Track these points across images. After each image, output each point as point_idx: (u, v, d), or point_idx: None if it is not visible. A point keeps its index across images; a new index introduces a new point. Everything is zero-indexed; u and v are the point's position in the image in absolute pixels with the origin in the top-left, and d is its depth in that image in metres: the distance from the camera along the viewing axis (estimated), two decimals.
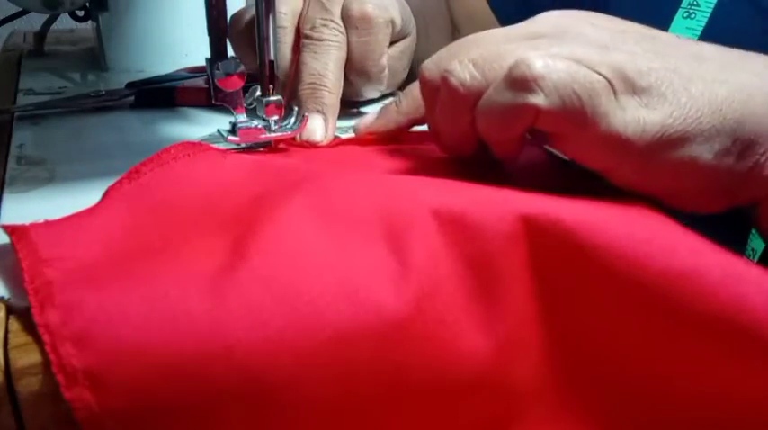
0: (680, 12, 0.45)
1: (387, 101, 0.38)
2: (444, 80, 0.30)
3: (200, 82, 0.48)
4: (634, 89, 0.27)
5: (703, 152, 0.27)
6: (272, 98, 0.36)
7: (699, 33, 0.44)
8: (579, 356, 0.26)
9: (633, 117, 0.27)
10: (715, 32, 0.43)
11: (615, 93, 0.27)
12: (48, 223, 0.25)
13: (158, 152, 0.30)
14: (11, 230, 0.24)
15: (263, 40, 0.35)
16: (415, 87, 0.34)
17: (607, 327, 0.25)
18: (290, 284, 0.22)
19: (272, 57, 0.36)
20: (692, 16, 0.44)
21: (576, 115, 0.27)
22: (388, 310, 0.23)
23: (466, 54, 0.30)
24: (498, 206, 0.25)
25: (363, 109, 0.47)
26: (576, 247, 0.24)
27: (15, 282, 0.23)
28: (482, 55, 0.29)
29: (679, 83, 0.27)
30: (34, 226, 0.25)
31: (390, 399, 0.24)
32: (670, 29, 0.45)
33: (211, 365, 0.21)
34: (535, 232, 0.25)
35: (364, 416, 0.24)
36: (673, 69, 0.28)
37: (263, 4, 0.35)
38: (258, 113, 0.36)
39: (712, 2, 0.44)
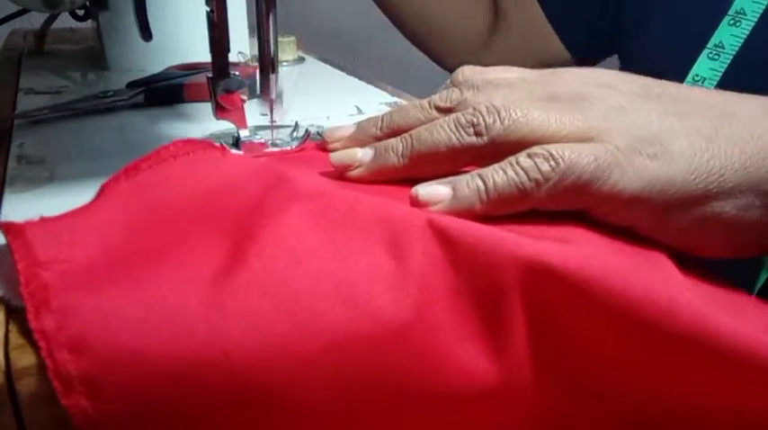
0: (726, 19, 0.46)
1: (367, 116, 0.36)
2: (466, 114, 0.29)
3: (203, 78, 0.48)
4: (652, 147, 0.27)
5: (726, 208, 0.27)
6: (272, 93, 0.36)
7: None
8: (567, 367, 0.26)
9: (652, 176, 0.27)
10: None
11: (629, 157, 0.27)
12: (44, 221, 0.25)
13: (157, 149, 0.29)
14: (6, 229, 0.24)
15: (264, 41, 0.35)
16: (400, 113, 0.33)
17: (590, 339, 0.25)
18: (288, 289, 0.22)
19: (272, 55, 0.36)
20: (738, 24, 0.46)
21: (582, 194, 0.27)
22: (386, 316, 0.22)
23: (493, 94, 0.31)
24: (494, 224, 0.26)
25: (363, 110, 0.47)
26: (564, 270, 0.24)
27: (15, 282, 0.23)
28: (504, 105, 0.29)
29: (700, 141, 0.27)
30: (30, 225, 0.24)
31: (386, 405, 0.24)
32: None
33: (208, 371, 0.21)
34: (529, 259, 0.24)
35: (359, 422, 0.24)
36: (695, 130, 0.28)
37: (264, 4, 0.35)
38: (259, 94, 0.36)
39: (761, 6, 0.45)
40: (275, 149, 0.36)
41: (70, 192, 0.32)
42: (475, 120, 0.29)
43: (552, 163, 0.26)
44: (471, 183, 0.27)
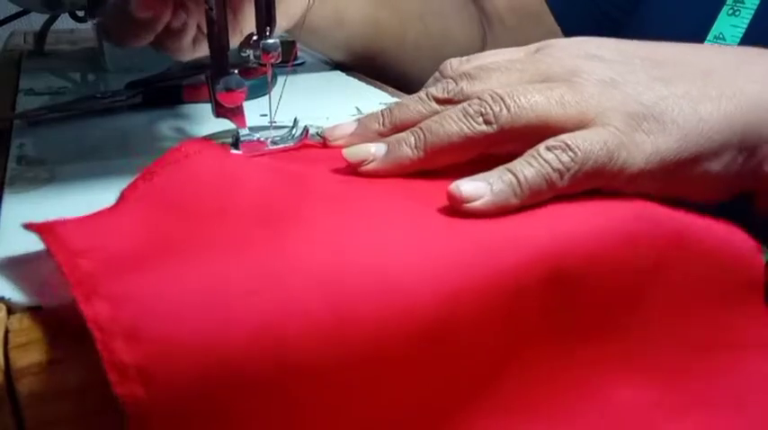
0: (725, 9, 0.46)
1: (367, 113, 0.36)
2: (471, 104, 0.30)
3: (201, 79, 0.48)
4: (647, 122, 0.29)
5: (713, 165, 0.29)
6: (270, 41, 0.35)
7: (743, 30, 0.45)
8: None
9: (652, 149, 0.28)
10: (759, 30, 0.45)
11: (630, 135, 0.28)
12: (68, 220, 0.25)
13: (168, 151, 0.29)
14: (36, 227, 0.24)
15: None
16: (400, 108, 0.33)
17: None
18: (331, 279, 0.22)
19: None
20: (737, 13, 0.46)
21: (597, 177, 0.28)
22: (422, 309, 0.23)
23: (487, 80, 0.31)
24: (526, 229, 0.26)
25: (363, 110, 0.47)
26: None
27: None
28: (508, 93, 0.30)
29: (689, 106, 0.29)
30: (59, 222, 0.24)
31: (415, 390, 0.24)
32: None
33: (256, 357, 0.21)
34: (553, 256, 0.25)
35: (394, 409, 0.24)
36: (681, 94, 0.29)
37: None
38: (254, 58, 0.35)
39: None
40: (275, 147, 0.36)
41: (70, 192, 0.32)
42: (483, 109, 0.30)
43: (570, 153, 0.28)
44: (504, 178, 0.28)
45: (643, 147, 0.28)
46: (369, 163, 0.31)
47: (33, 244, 0.27)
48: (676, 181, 0.29)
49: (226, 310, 0.21)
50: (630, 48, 0.32)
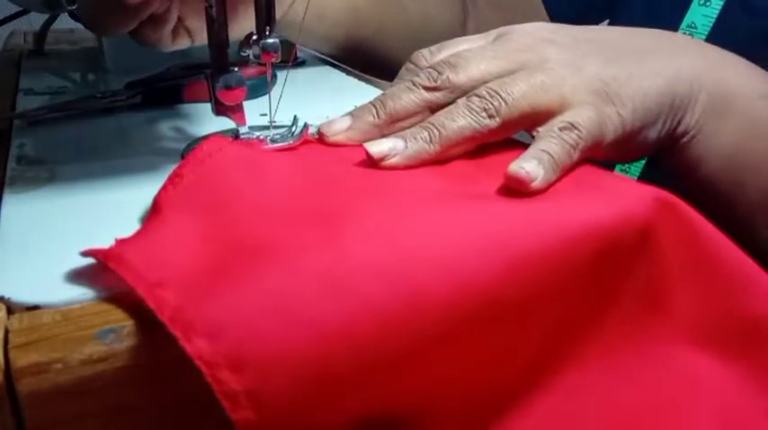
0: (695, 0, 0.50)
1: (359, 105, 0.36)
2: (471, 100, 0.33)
3: (201, 79, 0.48)
4: (609, 98, 0.33)
5: (651, 133, 0.34)
6: (269, 40, 0.35)
7: (713, 20, 0.49)
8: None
9: (617, 123, 0.33)
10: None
11: (603, 110, 0.32)
12: (126, 243, 0.25)
13: (192, 151, 0.29)
14: (104, 255, 0.24)
15: None
16: (392, 98, 0.34)
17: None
18: (393, 269, 0.23)
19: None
20: (708, 4, 0.49)
21: (590, 149, 0.32)
22: (481, 288, 0.24)
23: (467, 67, 0.34)
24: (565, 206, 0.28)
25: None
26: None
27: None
28: (501, 87, 0.32)
29: (636, 83, 0.33)
30: (121, 248, 0.24)
31: (480, 365, 0.25)
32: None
33: (341, 360, 0.21)
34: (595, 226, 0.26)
35: (461, 379, 0.25)
36: (629, 73, 0.34)
37: None
38: (254, 58, 0.35)
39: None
40: (275, 146, 0.36)
41: (70, 192, 0.32)
42: (485, 105, 0.32)
43: (577, 131, 0.31)
44: (543, 157, 0.30)
45: (611, 120, 0.32)
46: (391, 158, 0.32)
47: (33, 243, 0.27)
48: (623, 147, 0.34)
49: (307, 321, 0.21)
50: (576, 32, 0.36)
